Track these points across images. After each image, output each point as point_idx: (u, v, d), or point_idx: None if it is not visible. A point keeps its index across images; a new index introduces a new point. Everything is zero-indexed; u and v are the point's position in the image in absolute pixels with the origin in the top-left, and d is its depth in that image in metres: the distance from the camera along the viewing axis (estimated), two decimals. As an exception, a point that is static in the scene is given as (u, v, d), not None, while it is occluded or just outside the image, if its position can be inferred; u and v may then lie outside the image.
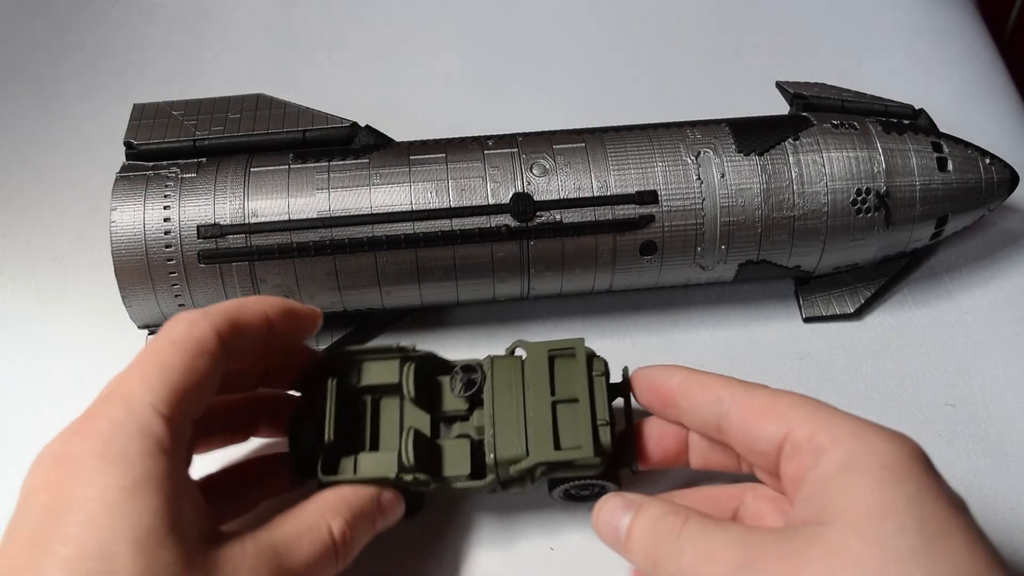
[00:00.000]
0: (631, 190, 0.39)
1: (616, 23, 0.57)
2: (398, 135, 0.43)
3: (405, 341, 0.36)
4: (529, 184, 0.39)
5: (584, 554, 0.36)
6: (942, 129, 0.43)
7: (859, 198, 0.40)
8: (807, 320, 0.43)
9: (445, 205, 0.39)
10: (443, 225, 0.39)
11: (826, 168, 0.40)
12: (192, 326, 0.30)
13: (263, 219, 0.39)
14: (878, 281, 0.43)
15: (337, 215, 0.39)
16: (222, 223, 0.38)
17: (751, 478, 0.34)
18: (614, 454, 0.34)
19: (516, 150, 0.40)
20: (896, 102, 0.44)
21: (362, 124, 0.42)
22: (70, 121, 0.52)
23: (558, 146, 0.40)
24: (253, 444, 0.37)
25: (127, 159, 0.41)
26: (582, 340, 0.35)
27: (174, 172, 0.40)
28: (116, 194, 0.39)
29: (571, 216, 0.39)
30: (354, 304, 0.41)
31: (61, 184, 0.49)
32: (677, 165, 0.40)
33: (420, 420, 0.35)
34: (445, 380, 0.36)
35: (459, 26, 0.57)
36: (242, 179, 0.39)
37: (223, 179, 0.39)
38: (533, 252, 0.39)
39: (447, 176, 0.39)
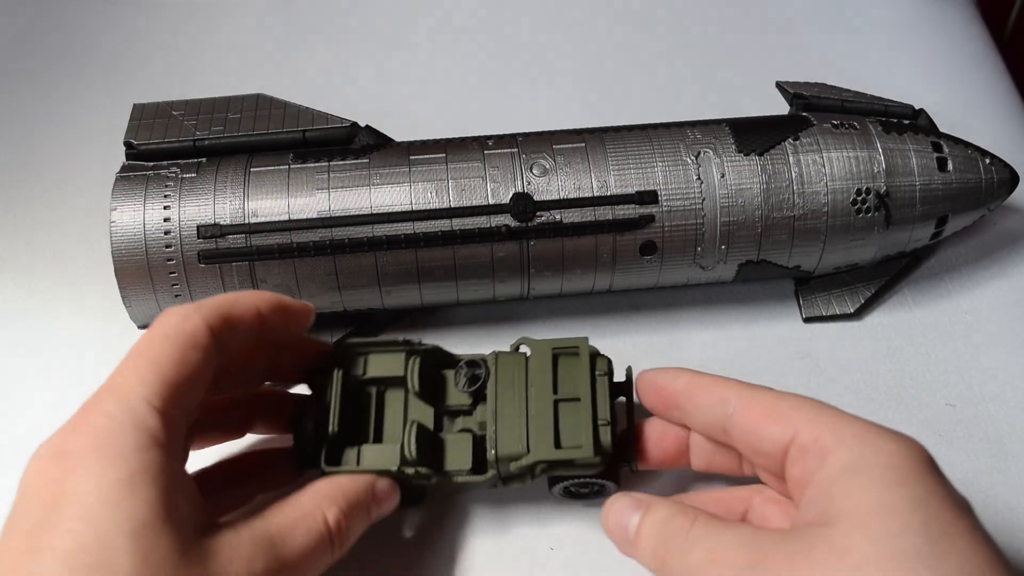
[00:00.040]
0: (631, 190, 0.39)
1: (616, 23, 0.57)
2: (398, 135, 0.43)
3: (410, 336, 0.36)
4: (529, 184, 0.39)
5: (581, 551, 0.36)
6: (942, 129, 0.43)
7: (859, 198, 0.40)
8: (807, 320, 0.43)
9: (445, 205, 0.39)
10: (443, 225, 0.39)
11: (826, 168, 0.40)
12: (184, 320, 0.30)
13: (263, 219, 0.39)
14: (878, 281, 0.43)
15: (337, 215, 0.39)
16: (222, 223, 0.38)
17: (754, 480, 0.34)
18: (615, 453, 0.34)
19: (516, 150, 0.40)
20: (896, 102, 0.44)
21: (362, 124, 0.42)
22: (70, 121, 0.52)
23: (558, 146, 0.40)
24: (251, 438, 0.37)
25: (127, 159, 0.41)
26: (586, 339, 0.35)
27: (174, 172, 0.40)
28: (116, 194, 0.39)
29: (571, 216, 0.39)
30: (354, 304, 0.41)
31: (61, 184, 0.49)
32: (677, 165, 0.40)
33: (424, 414, 0.35)
34: (450, 374, 0.37)
35: (459, 26, 0.57)
36: (242, 179, 0.39)
37: (223, 179, 0.39)
38: (533, 252, 0.39)
39: (447, 176, 0.39)
